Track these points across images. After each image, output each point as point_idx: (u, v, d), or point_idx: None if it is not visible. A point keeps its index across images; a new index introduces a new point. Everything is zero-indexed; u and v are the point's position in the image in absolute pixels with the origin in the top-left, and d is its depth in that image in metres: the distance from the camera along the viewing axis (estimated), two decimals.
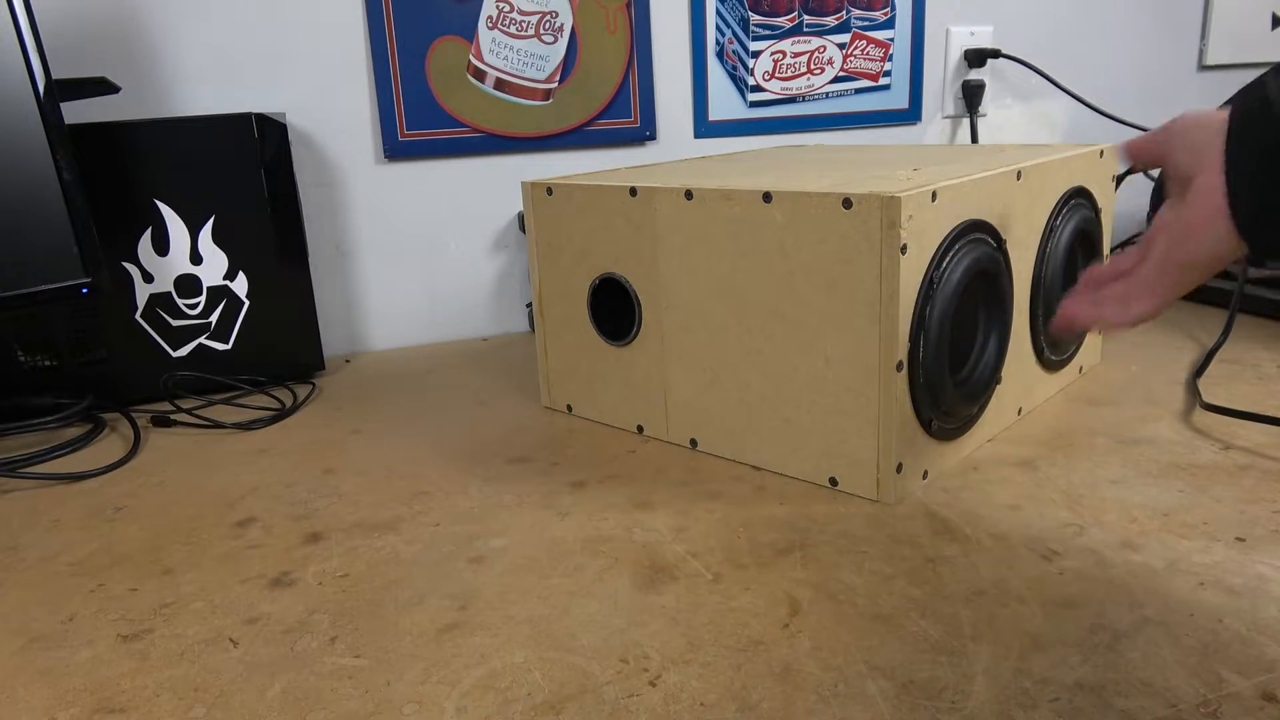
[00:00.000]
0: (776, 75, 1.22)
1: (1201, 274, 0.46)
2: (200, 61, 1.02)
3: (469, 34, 1.08)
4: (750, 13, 1.18)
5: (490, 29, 1.09)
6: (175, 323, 0.94)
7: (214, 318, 0.95)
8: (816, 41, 1.22)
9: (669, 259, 0.72)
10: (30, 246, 0.78)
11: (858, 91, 1.26)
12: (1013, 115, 1.36)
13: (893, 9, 1.23)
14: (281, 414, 0.90)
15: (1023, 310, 0.75)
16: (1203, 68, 1.43)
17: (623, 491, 0.69)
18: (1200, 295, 1.10)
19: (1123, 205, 1.39)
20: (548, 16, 1.10)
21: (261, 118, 0.92)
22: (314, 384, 1.00)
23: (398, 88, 1.08)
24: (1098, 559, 0.55)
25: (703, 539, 0.60)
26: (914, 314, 0.61)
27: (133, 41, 1.00)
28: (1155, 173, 1.17)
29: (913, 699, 0.44)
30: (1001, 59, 1.29)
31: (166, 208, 0.91)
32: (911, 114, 1.30)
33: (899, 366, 0.61)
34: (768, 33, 1.20)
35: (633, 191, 0.73)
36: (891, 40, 1.25)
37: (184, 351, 0.95)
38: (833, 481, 0.67)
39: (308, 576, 0.59)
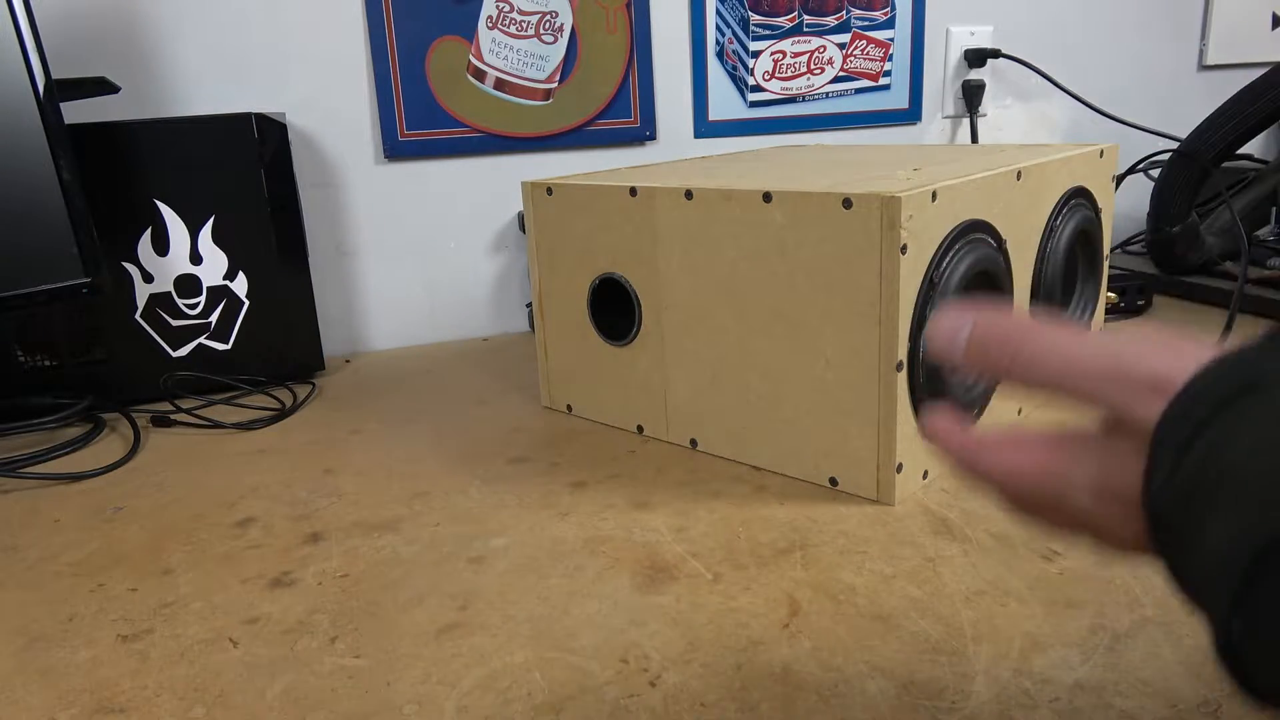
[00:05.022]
0: (776, 75, 1.22)
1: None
2: (200, 61, 1.02)
3: (469, 34, 1.08)
4: (750, 13, 1.18)
5: (490, 29, 1.09)
6: (175, 323, 0.94)
7: (214, 318, 0.95)
8: (816, 41, 1.22)
9: (669, 259, 0.72)
10: (30, 246, 0.78)
11: (858, 91, 1.26)
12: (1013, 115, 1.36)
13: (893, 9, 1.23)
14: (281, 414, 0.90)
15: (1022, 310, 0.75)
16: (1203, 68, 1.43)
17: (623, 491, 0.68)
18: (1200, 295, 1.10)
19: (1122, 205, 1.39)
20: (548, 16, 1.10)
21: (261, 118, 0.92)
22: (314, 384, 1.00)
23: (398, 88, 1.07)
24: (1098, 559, 0.55)
25: (703, 539, 0.60)
26: (914, 314, 0.61)
27: (133, 41, 1.00)
28: (1155, 173, 1.17)
29: (913, 699, 0.44)
30: (1001, 59, 1.29)
31: (166, 208, 0.91)
32: (911, 114, 1.30)
33: (899, 366, 0.61)
34: (768, 33, 1.20)
35: (633, 191, 0.73)
36: (891, 40, 1.25)
37: (184, 351, 0.95)
38: (833, 481, 0.66)
39: (308, 576, 0.59)
